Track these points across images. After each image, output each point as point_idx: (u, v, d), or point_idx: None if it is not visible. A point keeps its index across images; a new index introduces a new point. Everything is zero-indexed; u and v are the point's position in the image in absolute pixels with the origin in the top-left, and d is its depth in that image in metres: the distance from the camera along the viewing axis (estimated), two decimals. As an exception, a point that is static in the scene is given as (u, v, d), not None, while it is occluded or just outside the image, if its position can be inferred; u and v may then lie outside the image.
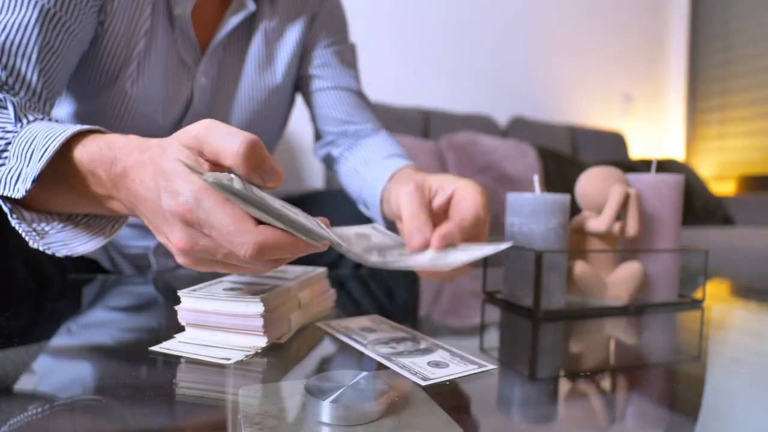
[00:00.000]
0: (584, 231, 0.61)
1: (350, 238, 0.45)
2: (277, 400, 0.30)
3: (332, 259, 0.83)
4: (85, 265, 0.77)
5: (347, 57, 0.84)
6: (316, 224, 0.36)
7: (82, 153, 0.41)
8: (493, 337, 0.51)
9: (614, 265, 0.61)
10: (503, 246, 0.40)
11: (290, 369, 0.37)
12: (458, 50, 2.50)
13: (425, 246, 0.44)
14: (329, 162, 0.86)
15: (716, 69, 3.01)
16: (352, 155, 0.80)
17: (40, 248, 0.44)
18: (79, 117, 0.68)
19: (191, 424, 0.29)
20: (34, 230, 0.45)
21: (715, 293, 0.78)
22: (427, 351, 0.40)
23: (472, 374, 0.36)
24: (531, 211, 0.56)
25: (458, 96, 2.50)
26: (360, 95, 0.84)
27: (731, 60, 2.93)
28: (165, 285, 0.68)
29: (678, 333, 0.56)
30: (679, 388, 0.38)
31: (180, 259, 0.36)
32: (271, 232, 0.32)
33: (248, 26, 0.74)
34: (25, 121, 0.46)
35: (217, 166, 0.35)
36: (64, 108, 0.69)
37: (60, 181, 0.43)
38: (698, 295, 0.66)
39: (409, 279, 0.75)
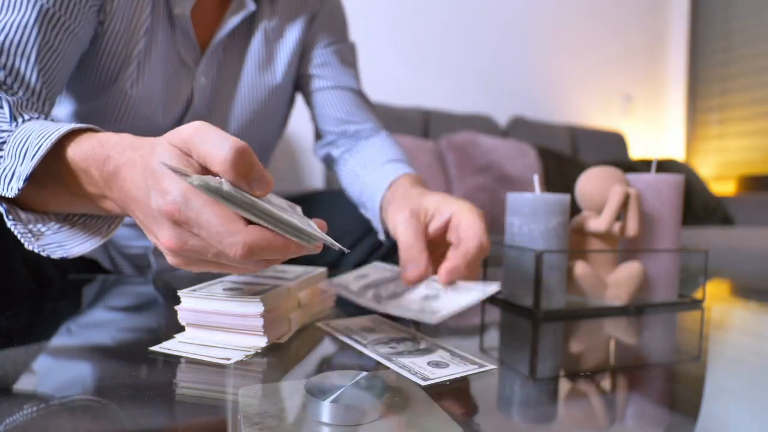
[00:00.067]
0: (584, 231, 0.61)
1: (349, 281, 0.46)
2: (277, 400, 0.30)
3: (332, 259, 0.83)
4: (85, 265, 0.77)
5: (347, 56, 0.84)
6: (308, 225, 0.36)
7: (75, 151, 0.41)
8: (493, 337, 0.51)
9: (614, 265, 0.61)
10: (492, 289, 0.39)
11: (290, 369, 0.37)
12: (458, 50, 2.50)
13: (421, 278, 0.46)
14: (329, 162, 0.86)
15: (716, 69, 3.01)
16: (351, 158, 0.80)
17: (36, 250, 0.44)
18: (79, 117, 0.68)
19: (191, 424, 0.29)
20: (30, 231, 0.45)
21: (715, 293, 0.78)
22: (427, 351, 0.40)
23: (472, 374, 0.36)
24: (531, 211, 0.56)
25: (458, 96, 2.50)
26: (360, 94, 0.84)
27: (731, 60, 2.92)
28: (165, 285, 0.68)
29: (678, 333, 0.56)
30: (679, 388, 0.38)
31: (170, 259, 0.36)
32: (260, 232, 0.32)
33: (248, 26, 0.74)
34: (20, 120, 0.46)
35: (206, 169, 0.34)
36: (64, 108, 0.69)
37: (54, 180, 0.43)
38: (698, 295, 0.66)
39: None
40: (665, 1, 3.10)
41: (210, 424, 0.29)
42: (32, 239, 0.44)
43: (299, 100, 0.88)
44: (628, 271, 0.59)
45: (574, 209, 0.61)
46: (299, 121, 1.38)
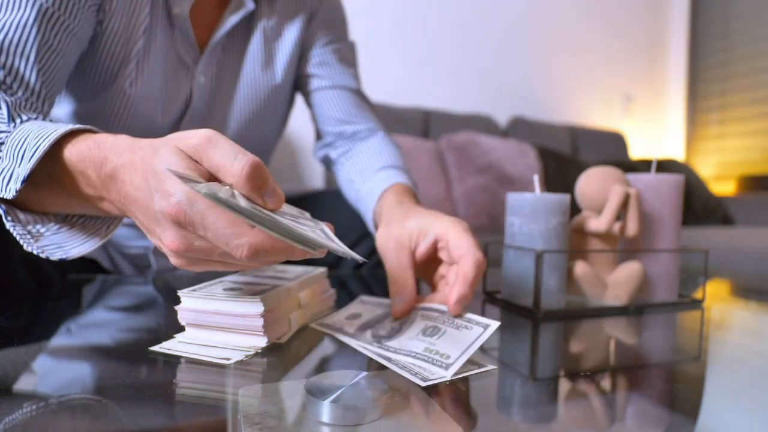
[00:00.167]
0: (584, 231, 0.61)
1: (342, 323, 0.47)
2: (277, 400, 0.30)
3: (332, 259, 0.83)
4: (85, 265, 0.77)
5: (346, 55, 0.84)
6: (312, 229, 0.36)
7: (71, 152, 0.41)
8: (493, 337, 0.51)
9: (614, 265, 0.61)
10: (492, 327, 0.39)
11: (290, 369, 0.37)
12: (458, 50, 2.50)
13: (407, 312, 0.47)
14: (328, 164, 0.86)
15: (716, 69, 3.01)
16: (348, 162, 0.80)
17: (35, 251, 0.44)
18: (78, 117, 0.68)
19: (191, 424, 0.29)
20: (29, 233, 0.45)
21: (715, 293, 0.78)
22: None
23: (472, 374, 0.36)
24: (531, 211, 0.56)
25: (458, 96, 2.50)
26: (359, 94, 0.83)
27: (731, 60, 2.93)
28: (165, 285, 0.68)
29: (678, 333, 0.56)
30: (679, 388, 0.38)
31: (173, 260, 0.36)
32: (266, 235, 0.32)
33: (247, 25, 0.74)
34: (18, 120, 0.46)
35: (212, 177, 0.34)
36: (63, 108, 0.69)
37: (51, 182, 0.43)
38: (698, 295, 0.66)
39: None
40: (665, 1, 3.10)
41: (210, 424, 0.29)
42: (31, 240, 0.44)
43: (299, 100, 0.88)
44: (628, 271, 0.59)
45: (574, 209, 0.61)
46: (299, 121, 1.38)
